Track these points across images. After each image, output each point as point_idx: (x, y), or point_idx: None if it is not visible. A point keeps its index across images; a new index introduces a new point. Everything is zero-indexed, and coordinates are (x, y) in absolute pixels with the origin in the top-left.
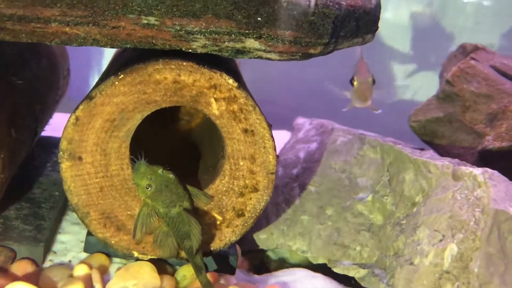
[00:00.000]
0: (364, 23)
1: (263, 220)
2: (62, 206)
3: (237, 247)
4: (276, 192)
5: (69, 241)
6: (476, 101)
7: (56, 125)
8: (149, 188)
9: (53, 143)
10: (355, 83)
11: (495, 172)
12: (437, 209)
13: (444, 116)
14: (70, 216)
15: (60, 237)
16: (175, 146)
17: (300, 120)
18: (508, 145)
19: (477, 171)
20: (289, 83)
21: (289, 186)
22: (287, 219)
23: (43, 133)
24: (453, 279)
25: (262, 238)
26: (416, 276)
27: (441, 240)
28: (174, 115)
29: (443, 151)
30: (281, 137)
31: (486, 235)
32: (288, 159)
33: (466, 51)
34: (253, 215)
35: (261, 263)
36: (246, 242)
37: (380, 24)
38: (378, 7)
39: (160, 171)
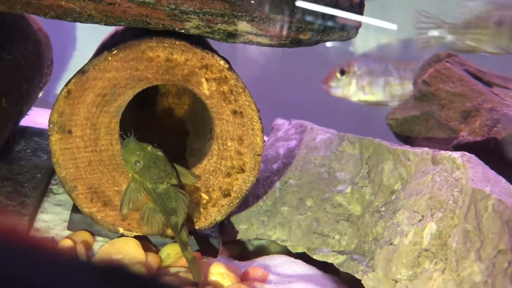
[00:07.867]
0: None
1: (243, 212)
2: (45, 187)
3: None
4: (257, 185)
5: (52, 220)
6: (452, 100)
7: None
8: (138, 164)
9: (33, 132)
10: None
11: (473, 156)
12: (417, 192)
13: (420, 114)
14: (52, 198)
15: (43, 216)
16: (160, 134)
17: (279, 121)
18: (481, 140)
19: (456, 154)
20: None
21: (270, 180)
22: (267, 210)
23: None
24: (432, 256)
25: (243, 228)
26: (396, 255)
27: (420, 220)
28: (160, 104)
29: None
30: None
31: (464, 213)
32: (269, 155)
33: (440, 58)
34: (239, 195)
35: (240, 254)
36: (226, 233)
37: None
38: (362, 2)
39: (149, 148)
